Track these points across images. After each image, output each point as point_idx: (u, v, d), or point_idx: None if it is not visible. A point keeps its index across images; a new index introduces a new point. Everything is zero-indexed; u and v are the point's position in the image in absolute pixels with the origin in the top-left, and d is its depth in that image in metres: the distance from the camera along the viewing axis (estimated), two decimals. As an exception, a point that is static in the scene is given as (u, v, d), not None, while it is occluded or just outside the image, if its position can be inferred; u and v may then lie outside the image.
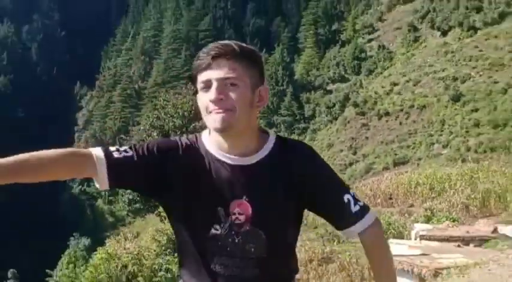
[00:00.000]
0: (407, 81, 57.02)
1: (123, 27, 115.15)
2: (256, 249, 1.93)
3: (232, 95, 1.85)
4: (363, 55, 76.64)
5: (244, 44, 1.93)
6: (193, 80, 1.96)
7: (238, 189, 1.91)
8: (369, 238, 2.02)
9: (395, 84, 58.27)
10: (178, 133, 25.40)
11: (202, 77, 1.87)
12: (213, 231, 1.89)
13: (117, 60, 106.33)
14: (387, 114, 54.76)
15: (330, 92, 73.74)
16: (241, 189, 1.91)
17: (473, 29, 60.50)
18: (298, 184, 1.95)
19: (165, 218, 21.90)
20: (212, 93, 1.84)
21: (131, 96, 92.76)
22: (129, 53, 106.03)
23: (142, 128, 30.21)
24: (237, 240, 1.91)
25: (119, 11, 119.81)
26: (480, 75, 50.37)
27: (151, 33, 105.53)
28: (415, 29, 73.26)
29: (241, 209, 1.90)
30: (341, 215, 1.98)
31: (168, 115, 25.94)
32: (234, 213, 1.90)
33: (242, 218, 1.90)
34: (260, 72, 1.94)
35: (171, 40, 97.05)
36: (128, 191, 27.03)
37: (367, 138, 54.63)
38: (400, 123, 52.09)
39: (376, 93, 59.17)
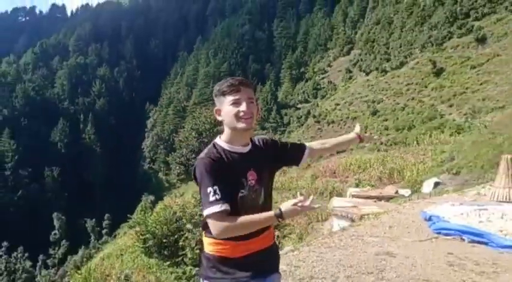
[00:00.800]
0: (345, 103, 56.99)
1: (175, 69, 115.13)
2: (260, 200, 1.97)
3: (253, 108, 1.91)
4: (318, 87, 76.63)
5: None
6: (217, 98, 1.95)
7: (248, 165, 1.94)
8: (313, 144, 2.35)
9: (337, 105, 58.23)
10: (207, 133, 25.52)
11: (234, 96, 1.89)
12: (240, 194, 1.90)
13: (171, 88, 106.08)
14: (333, 122, 54.79)
15: (299, 108, 73.71)
16: (249, 165, 1.94)
17: (385, 71, 60.41)
18: (272, 153, 2.08)
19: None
20: (244, 107, 1.88)
21: (179, 111, 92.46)
22: (179, 84, 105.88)
23: (185, 129, 30.33)
24: (253, 197, 1.96)
25: (172, 59, 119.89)
26: (388, 99, 50.39)
27: (192, 72, 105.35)
28: (350, 71, 73.19)
29: (252, 177, 1.94)
30: (297, 149, 2.23)
31: (201, 122, 26.04)
32: (249, 180, 1.93)
33: (253, 181, 1.94)
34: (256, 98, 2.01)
35: (204, 77, 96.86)
36: (177, 167, 26.89)
37: (321, 136, 54.70)
38: (341, 128, 52.04)
39: (326, 109, 59.16)
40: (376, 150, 30.29)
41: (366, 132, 2.65)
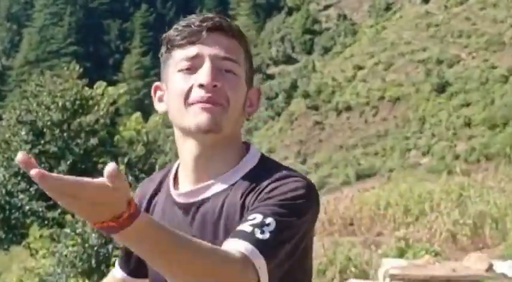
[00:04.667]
0: (376, 64, 57.87)
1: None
2: None
3: (229, 84, 1.86)
4: (316, 27, 77.47)
5: None
6: (162, 59, 1.98)
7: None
8: None
9: (359, 68, 59.06)
10: (57, 132, 25.17)
11: (188, 52, 1.87)
12: None
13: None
14: (348, 108, 55.50)
15: (272, 77, 74.31)
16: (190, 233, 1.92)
17: (464, -6, 61.92)
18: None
19: (36, 252, 21.63)
20: (204, 75, 1.82)
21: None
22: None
23: (5, 123, 29.88)
24: None
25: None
26: (473, 58, 51.44)
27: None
28: (387, -8, 74.56)
29: None
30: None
31: (43, 106, 25.61)
32: None
33: None
34: (252, 69, 2.00)
35: (49, 1, 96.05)
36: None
37: (321, 141, 55.18)
38: (366, 122, 52.87)
39: (334, 79, 59.87)
40: (444, 171, 30.96)
41: None
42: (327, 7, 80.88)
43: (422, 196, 18.57)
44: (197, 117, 1.84)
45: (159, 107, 1.99)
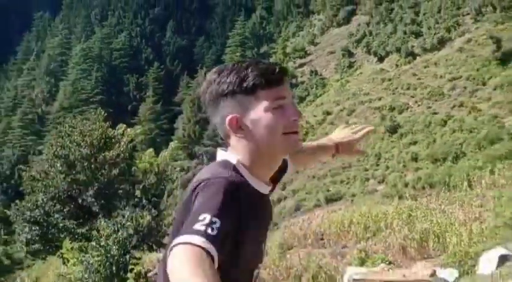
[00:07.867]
0: (341, 110, 57.75)
1: (26, 44, 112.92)
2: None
3: None
4: (293, 81, 77.40)
5: None
6: (234, 97, 1.90)
7: (269, 218, 2.05)
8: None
9: (328, 113, 58.92)
10: (86, 164, 25.11)
11: (278, 93, 1.91)
12: (255, 272, 1.95)
13: (18, 80, 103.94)
14: (319, 146, 55.31)
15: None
16: (269, 218, 2.05)
17: (412, 55, 62.09)
18: None
19: (67, 260, 21.43)
20: (295, 112, 1.97)
21: (33, 122, 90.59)
22: (32, 73, 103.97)
23: (44, 157, 29.85)
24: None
25: (21, 26, 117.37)
26: (418, 105, 51.51)
27: (58, 51, 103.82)
28: (350, 54, 74.63)
29: (266, 238, 2.09)
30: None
31: (74, 143, 25.55)
32: (263, 246, 2.03)
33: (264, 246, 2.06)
34: None
35: (81, 59, 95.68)
36: (26, 228, 26.28)
37: (297, 172, 54.90)
38: (333, 156, 52.67)
39: (307, 122, 59.71)
40: (396, 196, 30.91)
41: (356, 140, 2.90)
42: (301, 65, 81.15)
43: (379, 216, 18.48)
44: (292, 143, 1.95)
45: (237, 134, 1.91)
